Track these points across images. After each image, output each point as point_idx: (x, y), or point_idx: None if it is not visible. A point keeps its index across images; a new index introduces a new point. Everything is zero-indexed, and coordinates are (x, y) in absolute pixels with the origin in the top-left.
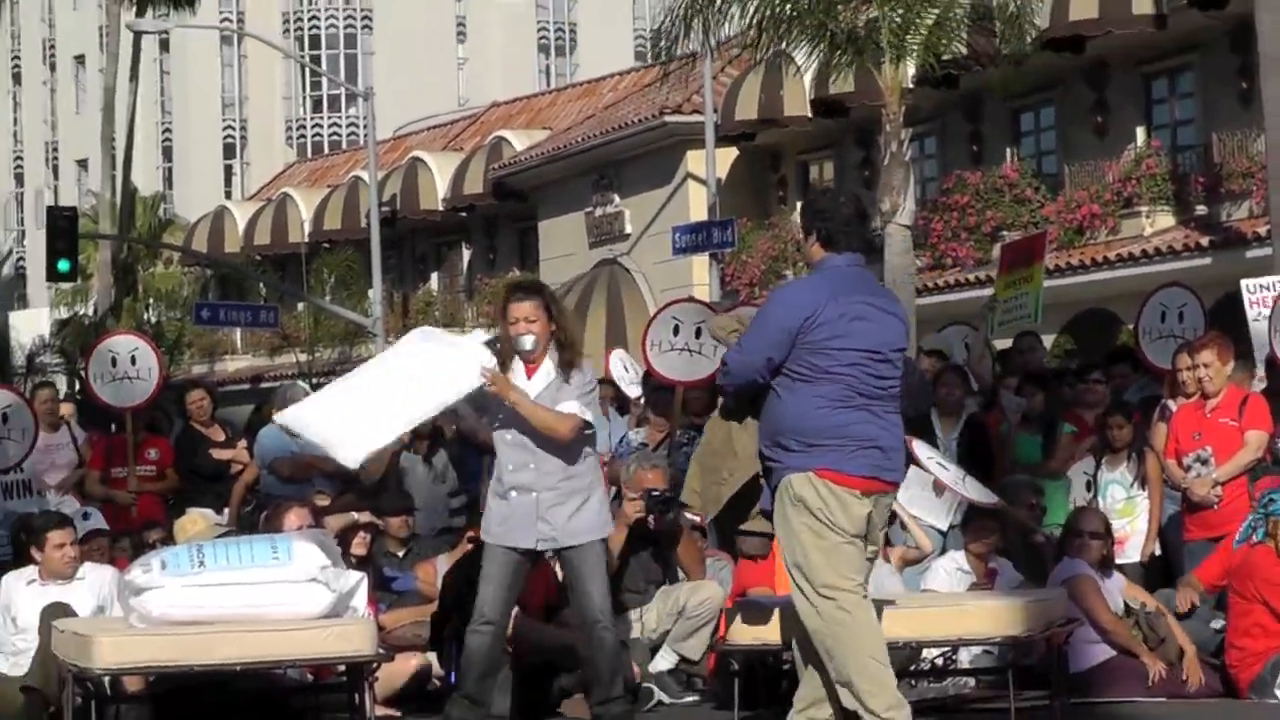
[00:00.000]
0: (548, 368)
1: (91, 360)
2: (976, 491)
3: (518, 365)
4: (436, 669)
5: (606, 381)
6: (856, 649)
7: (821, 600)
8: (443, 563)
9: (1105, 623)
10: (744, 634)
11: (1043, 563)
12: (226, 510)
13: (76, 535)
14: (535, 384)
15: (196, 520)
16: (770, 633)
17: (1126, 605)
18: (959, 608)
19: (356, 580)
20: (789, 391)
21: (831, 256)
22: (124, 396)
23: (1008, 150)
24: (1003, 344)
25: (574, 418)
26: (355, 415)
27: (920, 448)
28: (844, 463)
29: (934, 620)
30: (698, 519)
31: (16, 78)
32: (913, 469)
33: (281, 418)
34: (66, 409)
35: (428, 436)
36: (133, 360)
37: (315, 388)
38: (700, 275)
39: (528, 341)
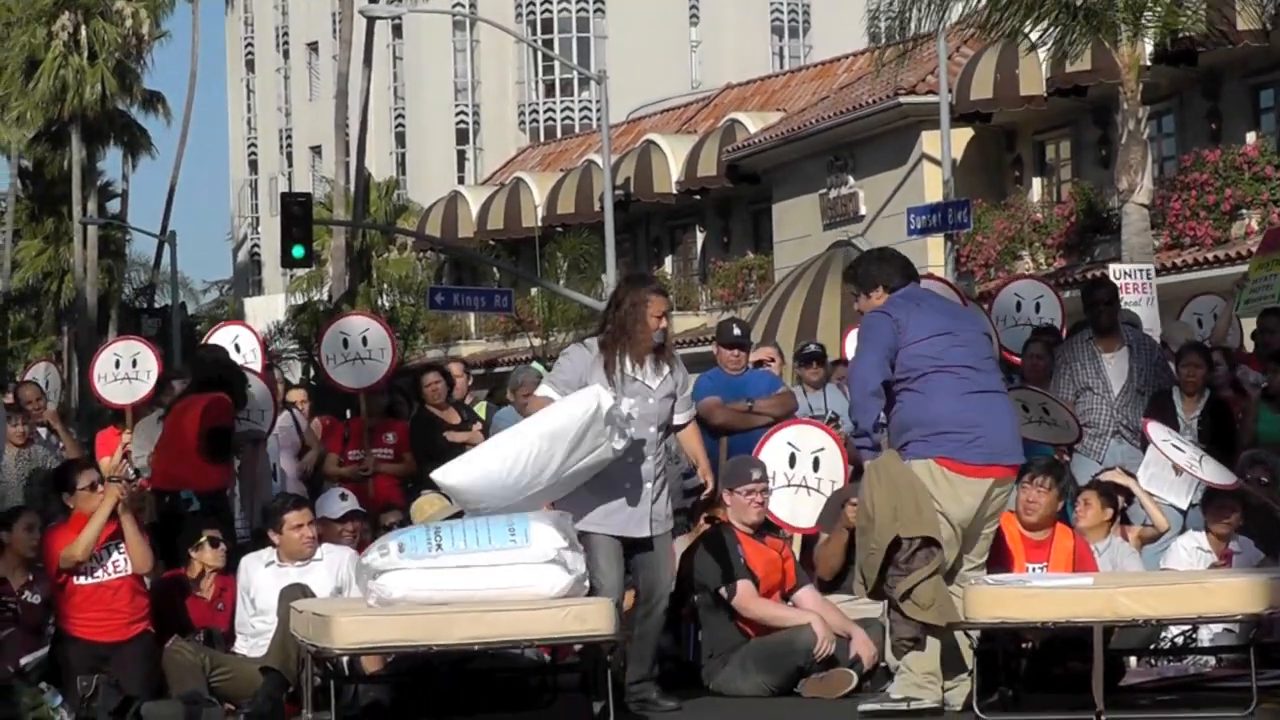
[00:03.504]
0: (657, 360)
1: (324, 343)
2: (1214, 473)
3: (643, 362)
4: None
5: (841, 362)
6: None
7: None
8: (680, 543)
9: None
10: (981, 610)
11: None
12: None
13: (314, 515)
14: (663, 379)
15: (434, 501)
16: (1009, 609)
17: None
18: (1199, 585)
19: None
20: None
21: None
22: (358, 378)
23: (1247, 127)
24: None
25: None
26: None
27: (1156, 429)
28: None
29: (1174, 598)
30: None
31: (250, 65)
32: (1150, 449)
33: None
34: (296, 395)
35: None
36: (364, 341)
37: (549, 371)
38: (936, 257)
39: (661, 336)
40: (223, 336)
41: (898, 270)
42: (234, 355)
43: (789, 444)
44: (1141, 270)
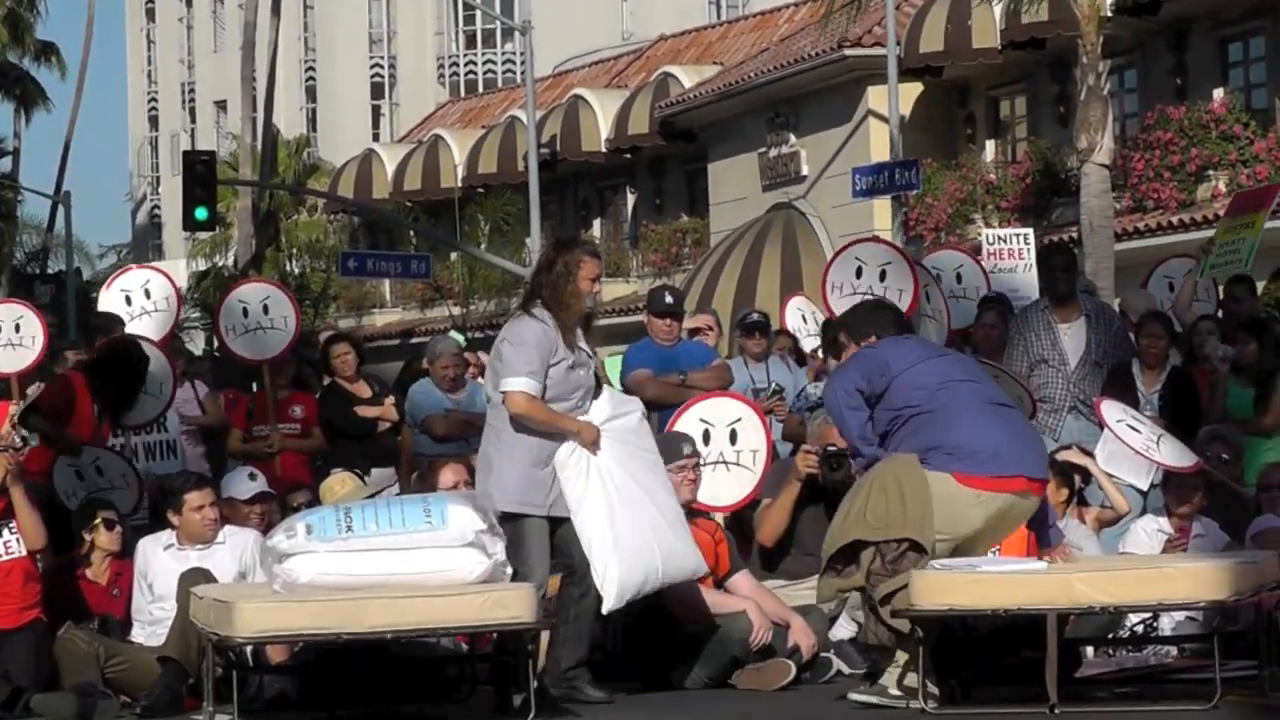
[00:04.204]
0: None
1: (222, 313)
2: (1173, 454)
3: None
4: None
5: (782, 332)
6: None
7: None
8: None
9: None
10: (929, 597)
11: (1247, 523)
12: (374, 471)
13: (217, 496)
14: (591, 349)
15: (345, 481)
16: (958, 596)
17: None
18: (1160, 570)
19: None
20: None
21: None
22: (260, 348)
23: (1214, 83)
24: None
25: None
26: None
27: (1110, 409)
28: None
29: (1133, 583)
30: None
31: (150, 14)
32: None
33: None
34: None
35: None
36: (265, 309)
37: (470, 343)
38: (882, 220)
39: (592, 301)
40: (130, 281)
41: (891, 321)
42: (142, 303)
43: (701, 420)
44: (1018, 235)
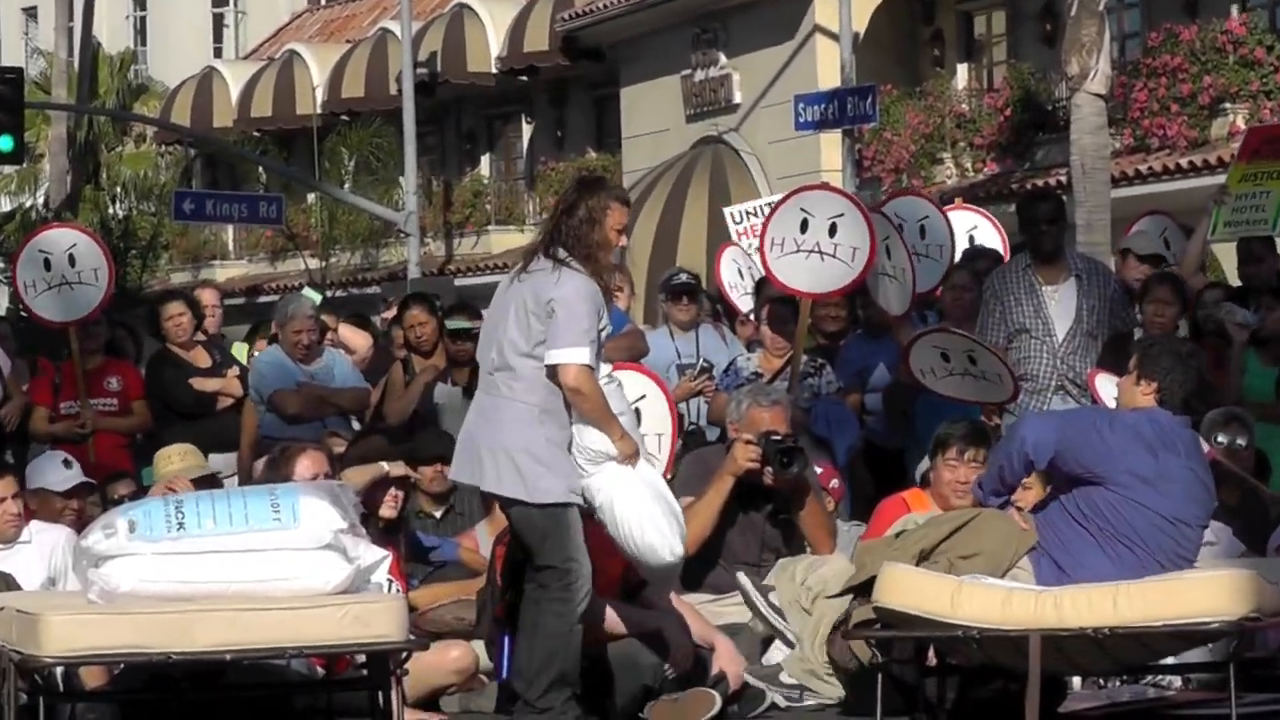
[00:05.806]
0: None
1: (20, 265)
2: None
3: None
4: (484, 661)
5: (708, 295)
6: None
7: None
8: (483, 529)
9: None
10: (901, 597)
11: (1270, 529)
12: (213, 457)
13: (20, 488)
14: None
15: (187, 454)
16: (931, 601)
17: None
18: (1163, 584)
19: (381, 552)
20: None
21: None
22: (65, 308)
23: None
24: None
25: None
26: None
27: (1106, 384)
28: None
29: (1131, 600)
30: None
31: None
32: None
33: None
34: None
35: (468, 363)
36: (71, 260)
37: (328, 301)
38: (831, 158)
39: (619, 255)
40: None
41: (1184, 391)
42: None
43: None
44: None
